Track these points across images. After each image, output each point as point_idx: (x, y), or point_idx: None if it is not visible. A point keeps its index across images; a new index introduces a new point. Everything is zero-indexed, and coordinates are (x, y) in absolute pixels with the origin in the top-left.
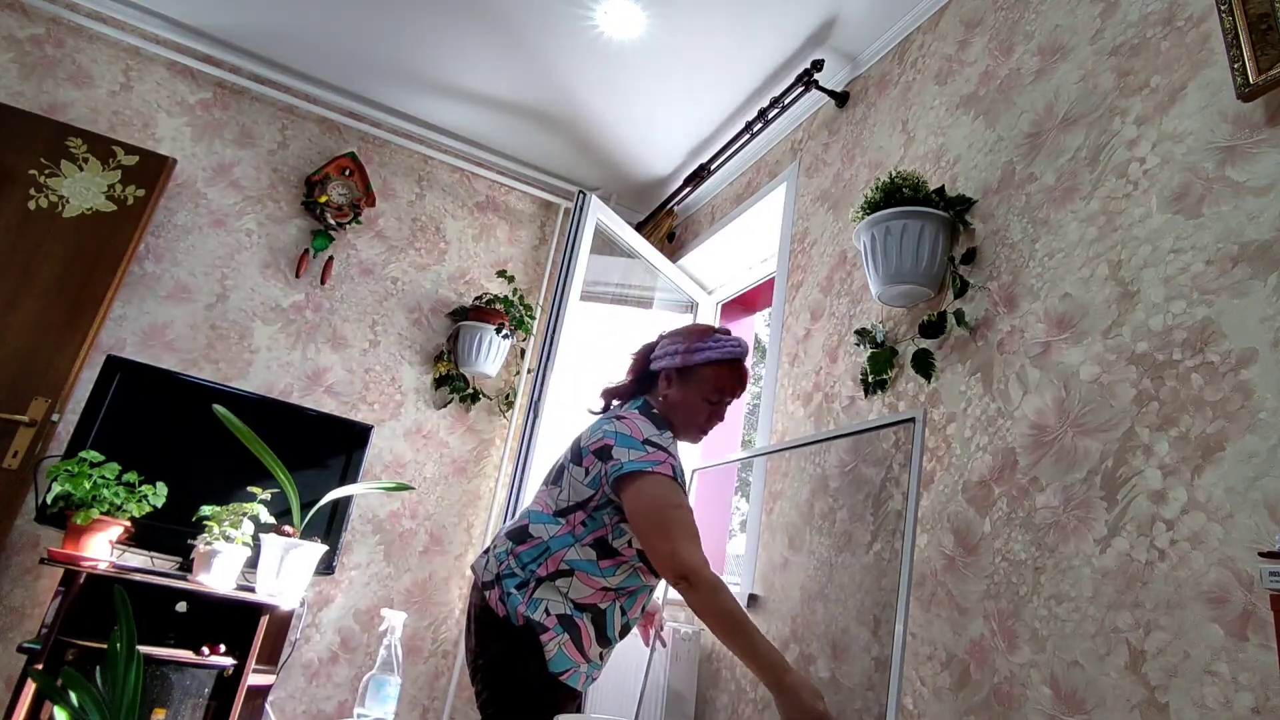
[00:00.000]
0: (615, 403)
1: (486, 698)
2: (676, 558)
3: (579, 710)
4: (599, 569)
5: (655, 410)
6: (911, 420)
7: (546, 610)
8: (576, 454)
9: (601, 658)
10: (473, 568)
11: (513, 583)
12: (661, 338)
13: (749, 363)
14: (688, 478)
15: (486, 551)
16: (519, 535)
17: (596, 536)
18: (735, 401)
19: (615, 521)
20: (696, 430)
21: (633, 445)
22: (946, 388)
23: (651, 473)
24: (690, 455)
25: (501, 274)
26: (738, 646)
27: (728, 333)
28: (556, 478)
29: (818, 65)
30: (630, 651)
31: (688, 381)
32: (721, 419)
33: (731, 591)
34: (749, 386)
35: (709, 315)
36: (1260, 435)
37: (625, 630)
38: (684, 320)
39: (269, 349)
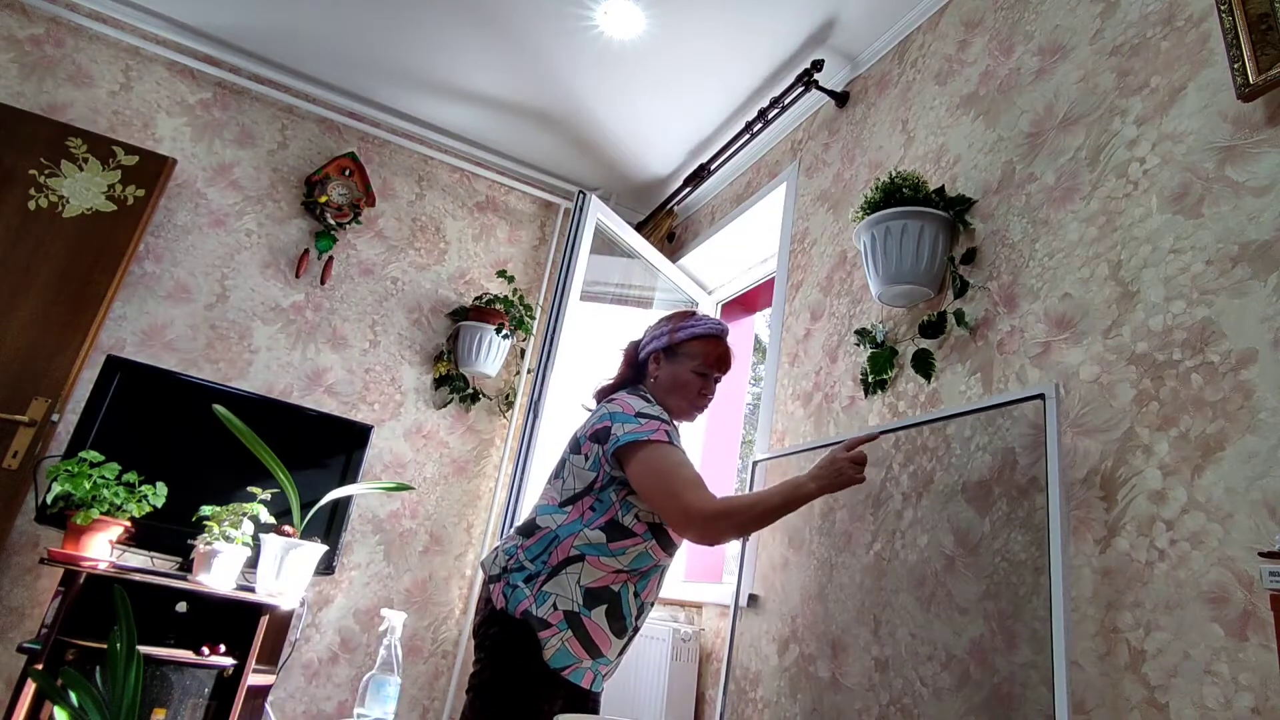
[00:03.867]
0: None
1: (479, 670)
2: (685, 513)
3: (596, 711)
4: (609, 550)
5: (645, 393)
6: (1041, 396)
7: (554, 605)
8: (575, 444)
9: (621, 652)
10: (481, 564)
11: (520, 576)
12: (648, 330)
13: (748, 356)
14: (763, 469)
15: (497, 547)
16: (527, 529)
17: (607, 518)
18: (721, 379)
19: (623, 496)
20: (689, 406)
21: (626, 420)
22: (946, 388)
23: (648, 441)
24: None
25: (501, 274)
26: (774, 520)
27: (709, 316)
28: (558, 471)
29: (818, 65)
30: (632, 653)
31: (675, 359)
32: (712, 394)
33: (734, 498)
34: (749, 387)
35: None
36: (1260, 435)
37: (642, 612)
38: None
39: (269, 349)
